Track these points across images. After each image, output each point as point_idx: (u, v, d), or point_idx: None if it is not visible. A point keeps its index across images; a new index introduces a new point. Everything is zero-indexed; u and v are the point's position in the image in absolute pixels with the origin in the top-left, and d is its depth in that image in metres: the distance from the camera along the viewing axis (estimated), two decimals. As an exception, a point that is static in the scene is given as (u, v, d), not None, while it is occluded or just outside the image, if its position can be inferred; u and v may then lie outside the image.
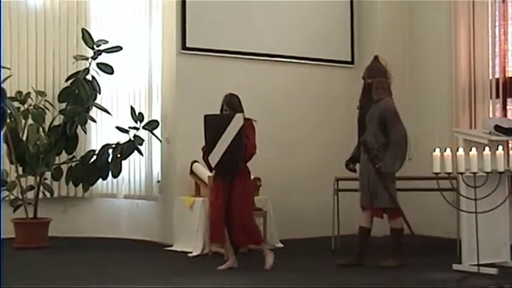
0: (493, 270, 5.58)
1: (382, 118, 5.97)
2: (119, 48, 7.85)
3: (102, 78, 7.90)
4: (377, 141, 5.98)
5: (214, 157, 6.01)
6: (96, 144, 8.27)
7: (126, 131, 7.70)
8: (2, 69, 7.55)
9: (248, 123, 6.09)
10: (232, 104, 6.16)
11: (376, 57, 6.31)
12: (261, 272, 5.92)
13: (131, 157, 7.87)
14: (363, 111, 6.14)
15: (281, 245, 7.49)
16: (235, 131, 5.96)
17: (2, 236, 7.46)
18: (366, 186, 6.11)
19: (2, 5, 8.11)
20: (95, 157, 7.81)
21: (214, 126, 6.03)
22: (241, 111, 6.12)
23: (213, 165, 6.06)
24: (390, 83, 6.21)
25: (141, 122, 7.72)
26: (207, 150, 6.08)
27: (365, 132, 6.10)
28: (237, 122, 5.97)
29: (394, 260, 6.02)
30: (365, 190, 6.13)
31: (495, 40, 7.75)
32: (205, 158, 6.16)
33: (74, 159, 7.92)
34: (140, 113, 7.77)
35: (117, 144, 7.74)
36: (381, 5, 8.78)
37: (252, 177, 7.37)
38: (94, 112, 7.98)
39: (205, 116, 6.17)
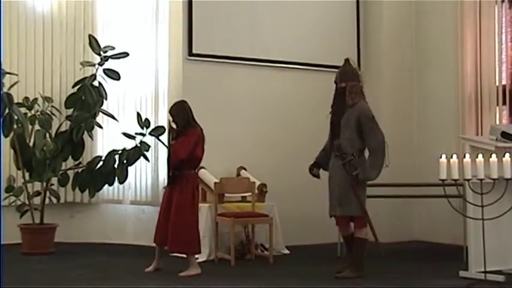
0: (500, 278, 5.56)
1: (358, 122, 5.82)
2: (125, 55, 7.86)
3: (108, 84, 7.91)
4: (352, 147, 5.82)
5: None
6: (102, 150, 8.28)
7: (132, 137, 7.71)
8: (9, 75, 7.63)
9: (187, 129, 6.18)
10: (173, 112, 6.28)
11: (347, 60, 6.11)
12: (265, 279, 5.92)
13: (137, 163, 7.87)
14: (337, 116, 5.96)
15: (287, 252, 7.49)
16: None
17: (9, 242, 7.53)
18: (334, 193, 5.93)
19: (10, 11, 8.19)
20: (101, 163, 7.81)
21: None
22: (181, 117, 6.21)
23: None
24: (362, 86, 6.05)
25: (147, 128, 7.72)
26: None
27: (339, 137, 5.91)
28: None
29: (353, 271, 5.83)
30: (333, 197, 5.95)
31: (502, 46, 7.75)
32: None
33: (81, 165, 7.94)
34: (146, 119, 7.77)
35: (124, 150, 7.74)
36: (387, 11, 8.80)
37: (258, 183, 7.43)
38: (100, 118, 7.99)
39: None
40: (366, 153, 5.96)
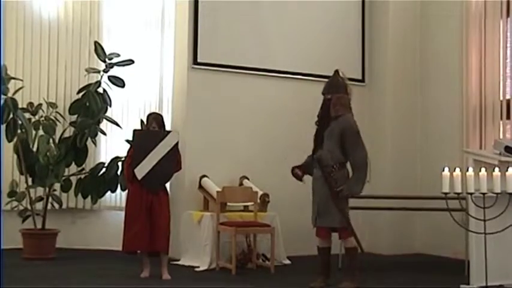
0: (502, 292, 5.55)
1: (342, 135, 5.73)
2: (130, 62, 7.90)
3: (113, 91, 7.95)
4: (332, 158, 5.73)
5: (142, 169, 6.23)
6: (105, 157, 8.30)
7: (135, 144, 7.72)
8: (14, 80, 7.66)
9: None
10: (159, 121, 6.44)
11: (336, 72, 6.03)
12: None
13: (140, 170, 7.88)
14: (321, 127, 5.88)
15: (288, 262, 7.48)
16: (168, 147, 6.30)
17: (10, 246, 7.54)
18: (314, 204, 5.85)
19: (16, 16, 8.22)
20: (104, 170, 7.84)
21: (144, 140, 6.33)
22: (165, 129, 6.51)
23: (139, 178, 6.22)
24: (350, 98, 5.97)
25: (151, 135, 7.74)
26: (133, 162, 6.26)
27: (321, 149, 5.83)
28: (171, 139, 6.33)
29: (351, 281, 5.74)
30: (313, 207, 5.85)
31: (506, 61, 7.74)
32: (128, 171, 6.33)
33: (83, 171, 7.95)
34: (150, 127, 7.80)
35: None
36: (392, 23, 8.81)
37: (261, 193, 7.43)
38: (104, 125, 8.02)
39: (135, 131, 6.54)
40: (348, 166, 5.85)
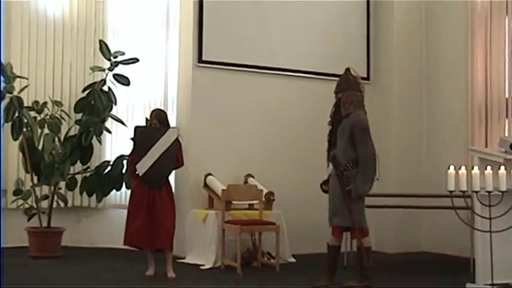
0: (508, 291, 5.54)
1: (351, 133, 5.68)
2: (135, 60, 7.90)
3: (118, 89, 7.95)
4: (345, 157, 5.67)
5: (143, 166, 6.26)
6: (110, 155, 8.31)
7: (141, 143, 7.72)
8: (19, 79, 7.68)
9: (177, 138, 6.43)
10: (161, 118, 6.46)
11: (347, 70, 5.99)
12: (271, 287, 5.91)
13: (145, 169, 7.88)
14: (334, 126, 5.86)
15: (293, 260, 7.47)
16: (168, 143, 6.32)
17: (16, 245, 7.56)
18: (329, 203, 5.83)
19: (22, 15, 8.23)
20: (109, 168, 7.84)
21: (145, 137, 6.36)
22: (168, 125, 6.50)
23: (140, 174, 6.26)
24: (362, 95, 5.90)
25: (156, 133, 7.75)
26: (135, 158, 6.31)
27: (335, 148, 5.78)
28: (170, 136, 6.36)
29: (358, 281, 5.69)
30: (329, 206, 5.83)
31: (512, 59, 7.74)
32: (131, 168, 6.38)
33: (89, 170, 7.95)
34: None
35: (132, 155, 7.77)
36: (397, 21, 8.80)
37: (266, 191, 7.43)
38: (109, 123, 8.02)
39: (136, 128, 6.58)
40: None
